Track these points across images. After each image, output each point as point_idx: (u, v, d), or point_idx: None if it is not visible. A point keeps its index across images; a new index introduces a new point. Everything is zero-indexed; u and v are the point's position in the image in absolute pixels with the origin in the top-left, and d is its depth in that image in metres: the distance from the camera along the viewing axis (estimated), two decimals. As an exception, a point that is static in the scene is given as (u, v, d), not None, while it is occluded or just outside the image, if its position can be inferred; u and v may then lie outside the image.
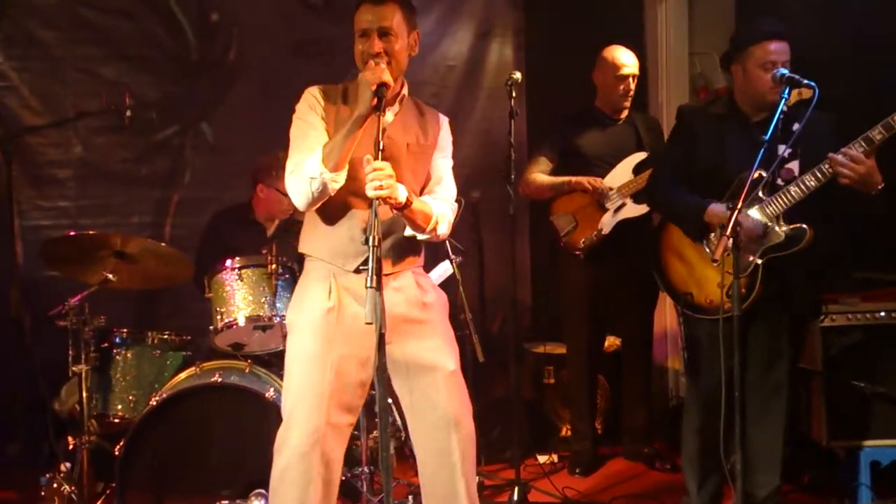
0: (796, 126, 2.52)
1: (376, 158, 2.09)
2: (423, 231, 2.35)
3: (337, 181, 2.23)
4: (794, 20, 3.41)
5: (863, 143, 2.52)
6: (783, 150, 2.55)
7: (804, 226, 2.62)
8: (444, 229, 2.40)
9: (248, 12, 4.23)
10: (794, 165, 2.67)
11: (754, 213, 2.66)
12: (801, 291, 2.75)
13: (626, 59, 3.66)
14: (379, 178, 2.08)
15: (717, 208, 2.68)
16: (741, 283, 2.49)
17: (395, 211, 2.26)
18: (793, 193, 2.62)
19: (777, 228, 2.65)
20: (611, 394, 4.03)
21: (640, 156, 3.63)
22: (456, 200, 2.48)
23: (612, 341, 4.05)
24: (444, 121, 2.48)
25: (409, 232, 2.37)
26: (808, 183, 2.59)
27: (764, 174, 2.54)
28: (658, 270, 2.93)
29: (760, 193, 2.64)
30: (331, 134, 2.31)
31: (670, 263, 2.89)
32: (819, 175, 2.57)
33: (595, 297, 3.72)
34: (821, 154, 2.58)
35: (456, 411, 2.35)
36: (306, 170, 2.22)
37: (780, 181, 2.67)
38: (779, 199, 2.64)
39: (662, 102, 4.48)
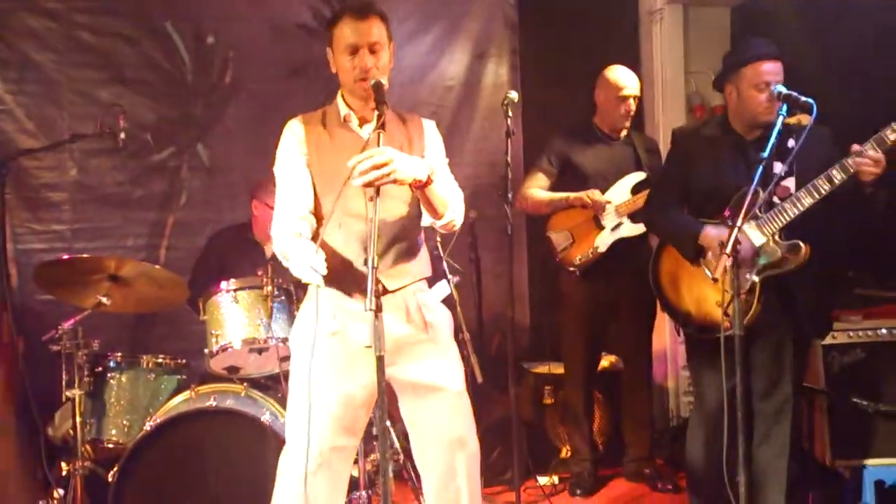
0: (791, 143, 2.52)
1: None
2: (440, 217, 2.30)
3: None
4: (788, 39, 3.43)
5: (875, 144, 2.50)
6: (779, 168, 2.54)
7: (800, 242, 2.61)
8: (460, 214, 2.36)
9: (243, 35, 4.25)
10: (790, 182, 2.66)
11: (751, 230, 2.65)
12: (803, 309, 2.73)
13: (627, 80, 3.66)
14: (373, 166, 2.02)
15: (711, 231, 2.68)
16: (739, 300, 2.46)
17: (415, 190, 2.21)
18: (788, 211, 2.61)
19: (773, 246, 2.64)
20: (610, 413, 3.99)
21: (639, 175, 3.63)
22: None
23: (610, 360, 4.02)
24: (428, 124, 2.45)
25: (426, 222, 2.34)
26: (803, 200, 2.59)
27: (761, 192, 2.53)
28: (658, 290, 2.91)
29: (757, 211, 2.62)
30: (312, 165, 2.29)
31: (669, 283, 2.87)
32: (814, 192, 2.57)
33: (593, 316, 3.70)
34: (816, 168, 2.57)
35: (461, 431, 2.34)
36: (276, 245, 2.29)
37: (776, 199, 2.66)
38: (775, 217, 2.63)
39: (658, 122, 4.49)
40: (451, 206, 2.31)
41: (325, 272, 2.12)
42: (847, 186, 2.54)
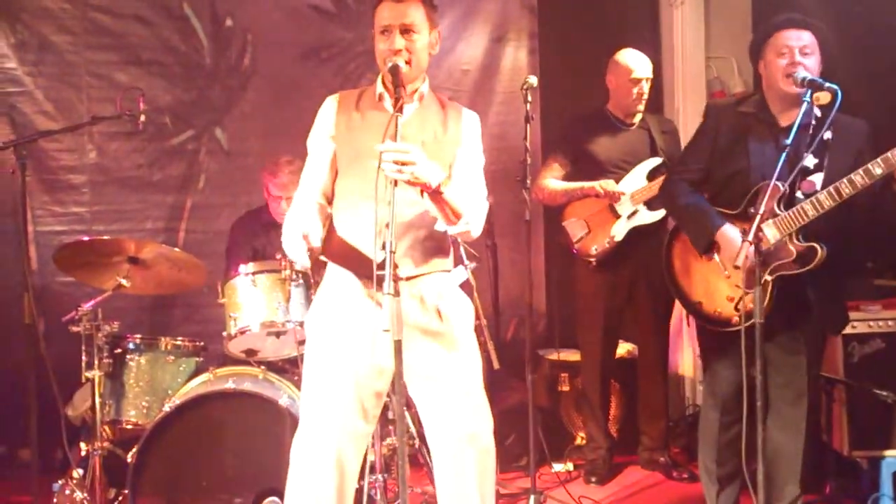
0: (829, 135, 2.42)
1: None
2: (453, 224, 2.24)
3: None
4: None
5: None
6: (811, 161, 2.46)
7: (816, 245, 2.52)
8: (476, 225, 2.30)
9: (261, 18, 4.23)
10: (816, 178, 2.56)
11: (768, 229, 2.55)
12: (818, 308, 2.64)
13: (638, 63, 3.63)
14: (399, 161, 2.02)
15: (730, 231, 2.59)
16: (750, 298, 2.42)
17: (424, 195, 2.18)
18: (808, 213, 2.50)
19: (789, 245, 2.56)
20: (625, 401, 3.98)
21: (655, 161, 3.60)
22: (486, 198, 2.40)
23: (627, 348, 4.01)
24: (468, 116, 2.41)
25: (440, 226, 2.28)
26: (823, 202, 2.48)
27: (781, 187, 2.45)
28: (670, 278, 2.85)
29: (777, 208, 2.54)
30: (339, 141, 2.29)
31: (682, 272, 2.81)
32: (836, 194, 2.45)
33: (609, 304, 3.68)
34: (848, 167, 2.47)
35: (472, 426, 2.30)
36: (285, 234, 2.27)
37: (799, 193, 2.56)
38: (794, 217, 2.52)
39: (679, 107, 4.44)
40: (465, 217, 2.24)
41: (306, 256, 2.13)
42: (876, 183, 2.44)
